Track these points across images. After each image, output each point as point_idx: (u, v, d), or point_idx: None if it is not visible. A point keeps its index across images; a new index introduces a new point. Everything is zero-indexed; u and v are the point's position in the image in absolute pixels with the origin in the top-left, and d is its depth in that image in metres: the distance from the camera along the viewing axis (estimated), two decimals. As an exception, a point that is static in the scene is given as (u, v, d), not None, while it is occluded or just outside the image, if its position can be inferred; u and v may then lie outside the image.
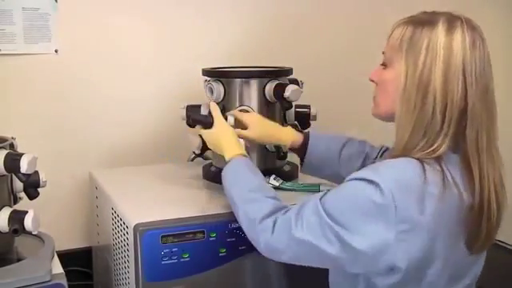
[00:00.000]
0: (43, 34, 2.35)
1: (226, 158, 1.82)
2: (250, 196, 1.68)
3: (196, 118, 2.02)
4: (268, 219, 1.59)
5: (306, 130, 2.14)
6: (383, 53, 1.62)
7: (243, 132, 1.99)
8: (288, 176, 2.17)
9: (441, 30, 1.48)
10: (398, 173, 1.45)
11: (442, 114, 1.47)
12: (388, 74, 1.58)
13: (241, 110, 2.08)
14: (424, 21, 1.52)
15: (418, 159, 1.46)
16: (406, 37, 1.52)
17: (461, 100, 1.47)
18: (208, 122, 1.96)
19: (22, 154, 1.72)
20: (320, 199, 1.51)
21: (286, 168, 2.21)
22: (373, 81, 1.65)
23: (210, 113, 1.97)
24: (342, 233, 1.44)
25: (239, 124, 2.02)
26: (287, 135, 2.04)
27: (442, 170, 1.46)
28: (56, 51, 2.39)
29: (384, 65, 1.61)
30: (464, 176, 1.49)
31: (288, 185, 2.09)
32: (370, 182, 1.42)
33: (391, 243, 1.42)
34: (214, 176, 2.14)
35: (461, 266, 1.55)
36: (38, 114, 2.40)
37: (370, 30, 2.84)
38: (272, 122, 2.06)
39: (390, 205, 1.40)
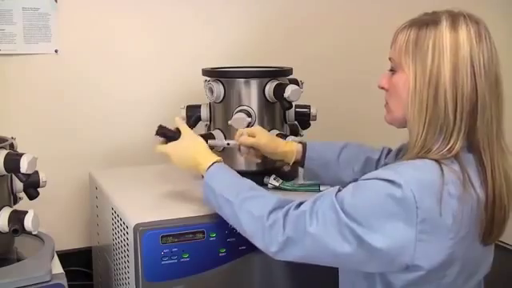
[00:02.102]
0: (43, 34, 2.35)
1: (204, 166, 1.78)
2: (249, 194, 1.66)
3: (165, 132, 1.94)
4: (276, 213, 1.56)
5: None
6: (390, 59, 1.62)
7: (251, 138, 1.98)
8: (288, 176, 2.17)
9: (445, 26, 1.49)
10: (418, 173, 1.45)
11: (453, 109, 1.48)
12: (398, 79, 1.57)
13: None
14: (427, 21, 1.53)
15: (435, 160, 1.47)
16: (412, 39, 1.53)
17: (471, 93, 1.48)
18: (177, 138, 1.91)
19: (22, 154, 1.71)
20: (335, 196, 1.50)
21: (286, 168, 2.20)
22: (383, 88, 1.65)
23: (177, 128, 1.93)
24: (359, 231, 1.43)
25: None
26: (291, 147, 2.02)
27: (461, 171, 1.47)
28: (56, 51, 2.39)
29: (392, 70, 1.61)
30: (478, 172, 1.51)
31: (288, 185, 2.09)
32: (392, 181, 1.42)
33: (411, 243, 1.42)
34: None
35: (476, 262, 1.56)
36: (38, 114, 2.40)
37: (370, 30, 2.86)
38: (274, 136, 2.06)
39: (412, 205, 1.40)
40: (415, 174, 1.44)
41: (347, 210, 1.45)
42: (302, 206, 1.55)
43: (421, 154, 1.50)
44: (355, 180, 1.54)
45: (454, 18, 1.51)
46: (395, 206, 1.41)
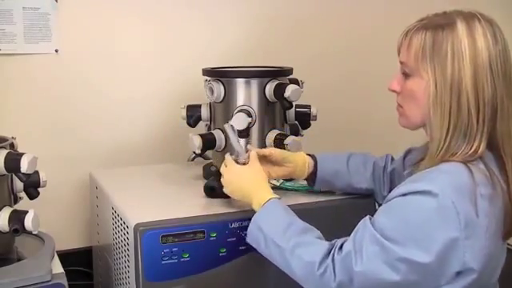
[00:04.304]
0: (43, 33, 2.34)
1: (259, 201, 1.72)
2: (300, 239, 1.60)
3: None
4: (327, 261, 1.53)
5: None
6: (402, 62, 1.60)
7: (267, 150, 1.95)
8: (288, 176, 2.15)
9: (461, 30, 1.49)
10: (451, 178, 1.45)
11: (476, 114, 1.48)
12: (416, 85, 1.56)
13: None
14: (441, 24, 1.52)
15: (461, 162, 1.47)
16: (428, 44, 1.51)
17: (492, 96, 1.48)
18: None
19: (23, 154, 1.71)
20: (372, 225, 1.48)
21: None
22: (394, 91, 1.64)
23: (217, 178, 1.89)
24: (405, 253, 1.42)
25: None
26: (303, 159, 1.96)
27: (487, 169, 1.47)
28: (56, 51, 2.38)
29: (406, 74, 1.59)
30: (499, 170, 1.51)
31: (288, 184, 2.09)
32: (427, 192, 1.41)
33: (459, 249, 1.42)
34: (212, 177, 2.11)
35: (500, 259, 1.57)
36: (38, 114, 2.40)
37: (372, 30, 2.86)
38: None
39: (452, 212, 1.40)
40: (448, 180, 1.44)
41: (389, 236, 1.44)
42: (343, 246, 1.52)
43: (445, 159, 1.50)
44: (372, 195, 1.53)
45: (469, 20, 1.50)
46: (436, 216, 1.40)
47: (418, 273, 1.43)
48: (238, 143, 1.94)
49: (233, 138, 1.95)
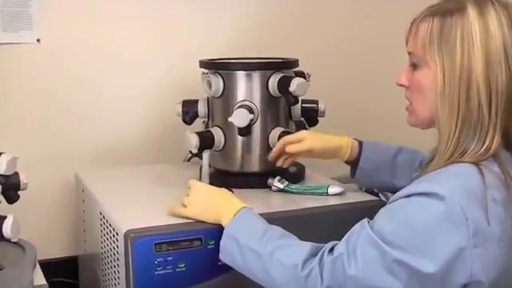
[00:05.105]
0: (24, 21, 2.34)
1: (229, 213, 1.73)
2: (280, 243, 1.61)
3: None
4: (311, 262, 1.52)
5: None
6: (410, 53, 1.60)
7: (296, 144, 2.00)
8: (294, 177, 2.16)
9: (472, 14, 1.47)
10: (460, 180, 1.43)
11: (488, 105, 1.46)
12: (423, 76, 1.56)
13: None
14: (450, 9, 1.51)
15: (472, 163, 1.46)
16: (436, 30, 1.51)
17: (506, 86, 1.47)
18: None
19: (1, 154, 1.72)
20: (371, 228, 1.46)
21: (292, 169, 2.20)
22: (402, 85, 1.63)
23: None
24: (407, 259, 1.40)
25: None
26: (345, 142, 2.02)
27: (501, 171, 1.45)
28: (38, 40, 2.39)
29: (414, 65, 1.59)
30: None
31: (294, 187, 2.08)
32: (432, 194, 1.40)
33: (466, 260, 1.39)
34: (212, 178, 2.12)
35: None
36: (18, 110, 2.41)
37: (383, 18, 2.85)
38: (324, 134, 2.06)
39: (460, 217, 1.38)
40: (457, 182, 1.42)
41: (389, 240, 1.42)
42: (335, 248, 1.51)
43: (454, 158, 1.48)
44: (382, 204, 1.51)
45: (481, 3, 1.49)
46: (442, 222, 1.39)
47: (420, 282, 1.41)
48: (208, 174, 2.03)
49: (205, 167, 2.04)
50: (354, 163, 2.02)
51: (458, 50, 1.47)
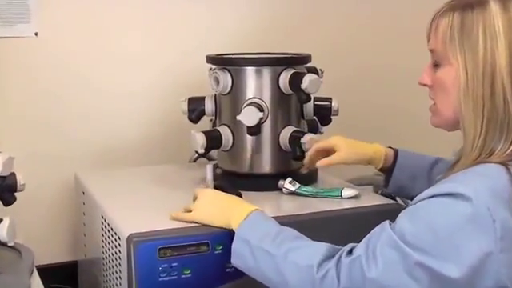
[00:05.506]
0: (21, 14, 2.34)
1: (239, 217, 1.73)
2: (294, 244, 1.61)
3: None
4: (328, 263, 1.52)
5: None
6: (431, 50, 1.60)
7: (333, 157, 2.02)
8: (306, 179, 2.15)
9: (494, 8, 1.47)
10: (487, 181, 1.42)
11: None
12: (444, 73, 1.55)
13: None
14: (470, 3, 1.51)
15: (500, 163, 1.45)
16: (456, 25, 1.51)
17: None
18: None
19: (-3, 153, 1.71)
20: (392, 229, 1.46)
21: (304, 170, 2.18)
22: (425, 85, 1.63)
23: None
24: (429, 262, 1.39)
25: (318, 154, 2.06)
26: (379, 150, 2.05)
27: None
28: (36, 34, 2.39)
29: (436, 64, 1.59)
30: None
31: (306, 190, 2.08)
32: (458, 195, 1.39)
33: (493, 264, 1.38)
34: (219, 179, 2.12)
35: None
36: (15, 108, 2.41)
37: (401, 11, 2.83)
38: (355, 140, 2.09)
39: (487, 219, 1.37)
40: (484, 183, 1.41)
41: (410, 241, 1.41)
42: (354, 250, 1.51)
43: (481, 159, 1.48)
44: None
45: None
46: (467, 224, 1.37)
47: (443, 287, 1.40)
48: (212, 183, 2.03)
49: (209, 180, 2.03)
50: (387, 172, 2.06)
51: (480, 44, 1.47)
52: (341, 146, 2.02)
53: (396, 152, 2.05)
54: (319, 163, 2.03)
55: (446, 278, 1.38)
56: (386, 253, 1.43)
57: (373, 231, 1.51)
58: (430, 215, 1.42)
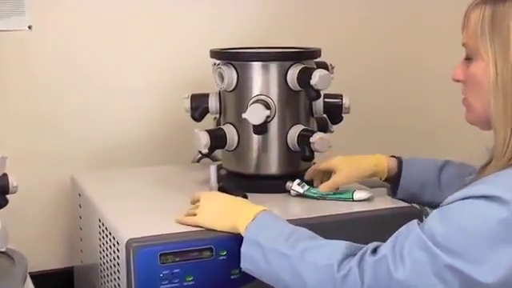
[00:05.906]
0: (14, 6, 2.35)
1: (246, 219, 1.73)
2: (310, 244, 1.61)
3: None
4: (349, 261, 1.52)
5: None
6: (463, 45, 1.61)
7: (334, 179, 2.03)
8: (315, 181, 2.15)
9: None
10: None
11: None
12: (476, 68, 1.56)
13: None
14: None
15: None
16: (487, 18, 1.52)
17: None
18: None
19: (-13, 153, 1.71)
20: (421, 229, 1.46)
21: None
22: (458, 80, 1.64)
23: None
24: (460, 265, 1.39)
25: (319, 175, 2.11)
26: (381, 162, 2.08)
27: None
28: (30, 27, 2.39)
29: (468, 59, 1.60)
30: None
31: (315, 192, 2.07)
32: (494, 198, 1.38)
33: None
34: (224, 180, 2.12)
35: None
36: (8, 104, 2.41)
37: (416, 2, 2.80)
38: (355, 156, 2.10)
39: None
40: None
41: (440, 242, 1.41)
42: (379, 249, 1.51)
43: None
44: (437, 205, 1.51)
45: None
46: (504, 228, 1.37)
47: None
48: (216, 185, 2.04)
49: (213, 182, 2.03)
50: (393, 182, 2.08)
51: (511, 39, 1.48)
52: (341, 167, 2.04)
53: (400, 161, 2.07)
54: (321, 188, 2.04)
55: (477, 282, 1.38)
56: (414, 253, 1.43)
57: (399, 230, 1.51)
58: (463, 217, 1.42)
